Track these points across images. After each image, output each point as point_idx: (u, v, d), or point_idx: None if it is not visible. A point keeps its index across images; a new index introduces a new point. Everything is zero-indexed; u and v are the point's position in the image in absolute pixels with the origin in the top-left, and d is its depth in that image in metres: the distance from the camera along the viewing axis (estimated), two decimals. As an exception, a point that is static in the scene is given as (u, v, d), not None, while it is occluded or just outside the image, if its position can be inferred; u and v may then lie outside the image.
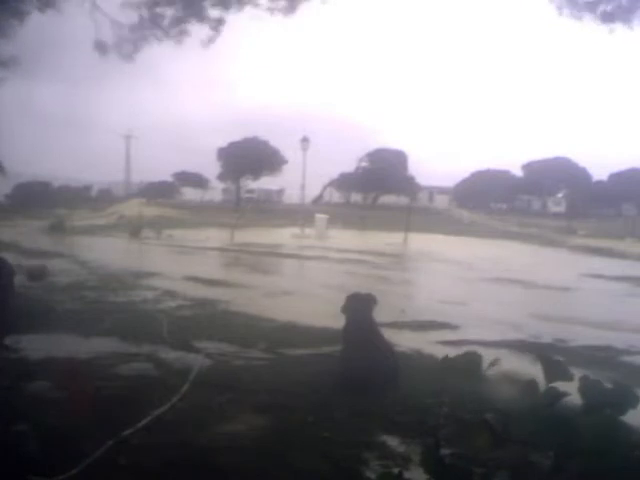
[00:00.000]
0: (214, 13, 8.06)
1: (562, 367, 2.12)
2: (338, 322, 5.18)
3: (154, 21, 7.98)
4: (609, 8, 6.85)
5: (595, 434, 1.88)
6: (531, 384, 2.10)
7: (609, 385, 2.03)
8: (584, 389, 2.02)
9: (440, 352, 6.12)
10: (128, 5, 7.86)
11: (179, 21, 8.02)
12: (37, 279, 10.26)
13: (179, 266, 14.45)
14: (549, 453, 2.02)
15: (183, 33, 8.13)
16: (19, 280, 7.47)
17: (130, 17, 7.97)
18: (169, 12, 8.00)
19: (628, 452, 1.89)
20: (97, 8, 7.85)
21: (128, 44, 8.10)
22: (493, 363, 2.34)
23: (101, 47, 8.18)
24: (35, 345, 5.85)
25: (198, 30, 8.28)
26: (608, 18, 6.91)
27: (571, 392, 2.06)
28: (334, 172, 62.87)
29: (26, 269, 10.25)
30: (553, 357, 2.22)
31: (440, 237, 29.44)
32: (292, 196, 52.82)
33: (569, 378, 2.07)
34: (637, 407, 1.99)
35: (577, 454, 1.91)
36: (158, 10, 7.97)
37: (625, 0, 6.83)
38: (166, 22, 8.03)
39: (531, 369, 4.01)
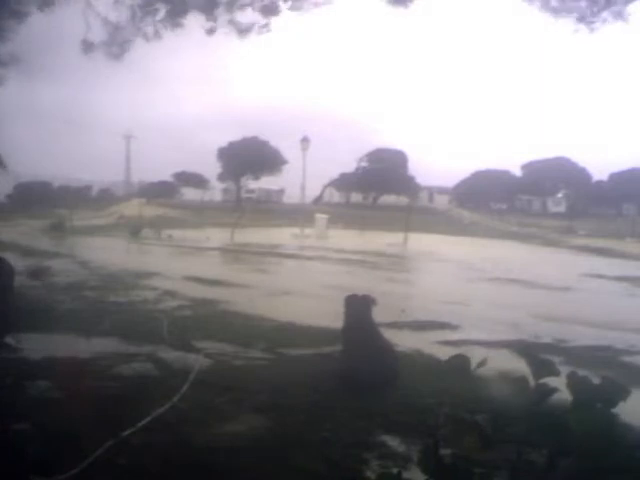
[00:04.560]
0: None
1: (548, 363, 2.11)
2: (338, 322, 5.18)
3: (144, 20, 7.92)
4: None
5: (587, 431, 1.87)
6: (521, 381, 2.10)
7: (597, 380, 2.03)
8: (573, 385, 2.02)
9: (440, 352, 6.15)
10: (120, 4, 7.81)
11: (172, 19, 7.95)
12: (40, 279, 10.26)
13: (179, 266, 14.44)
14: (544, 452, 2.02)
15: (177, 25, 8.03)
16: (19, 280, 7.46)
17: (121, 16, 7.92)
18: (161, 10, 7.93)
19: (626, 451, 1.88)
20: (90, 7, 7.81)
21: (116, 45, 8.05)
22: (481, 364, 2.35)
23: (87, 47, 8.12)
24: (35, 345, 5.85)
25: (196, 30, 8.25)
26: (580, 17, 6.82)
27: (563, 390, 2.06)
28: (334, 172, 63.02)
29: (31, 270, 10.24)
30: (539, 355, 2.22)
31: (440, 237, 29.43)
32: (292, 196, 52.84)
33: (556, 374, 2.07)
34: (627, 400, 1.98)
35: (571, 452, 1.90)
36: (149, 9, 7.91)
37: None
38: (158, 18, 7.97)
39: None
